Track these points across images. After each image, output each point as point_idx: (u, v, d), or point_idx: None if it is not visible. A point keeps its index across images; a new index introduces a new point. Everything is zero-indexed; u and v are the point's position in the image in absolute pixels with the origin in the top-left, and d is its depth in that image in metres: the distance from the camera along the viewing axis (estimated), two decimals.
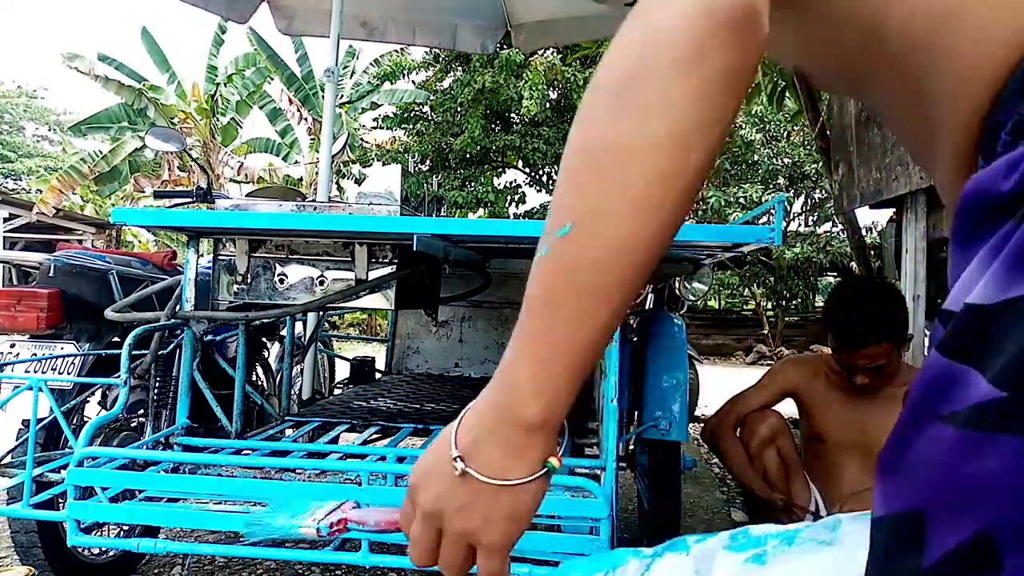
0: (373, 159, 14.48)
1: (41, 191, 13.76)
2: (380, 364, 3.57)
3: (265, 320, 2.24)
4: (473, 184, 13.90)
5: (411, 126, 14.59)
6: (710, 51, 0.43)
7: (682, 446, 2.18)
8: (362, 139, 14.86)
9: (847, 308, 1.96)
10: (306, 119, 14.74)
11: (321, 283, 1.98)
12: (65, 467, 1.77)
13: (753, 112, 10.42)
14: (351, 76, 15.45)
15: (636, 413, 2.24)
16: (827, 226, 12.16)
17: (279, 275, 2.00)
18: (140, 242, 16.27)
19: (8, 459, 2.08)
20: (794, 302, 13.12)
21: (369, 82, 14.95)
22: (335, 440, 2.41)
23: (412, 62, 13.83)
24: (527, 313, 0.51)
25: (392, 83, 14.27)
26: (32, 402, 1.83)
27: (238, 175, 14.88)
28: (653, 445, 2.10)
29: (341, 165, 13.93)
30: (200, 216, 2.04)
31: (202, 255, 2.04)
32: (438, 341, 3.53)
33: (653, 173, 0.45)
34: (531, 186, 15.46)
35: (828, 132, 3.48)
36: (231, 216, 1.95)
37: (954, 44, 0.44)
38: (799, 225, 12.54)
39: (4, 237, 13.36)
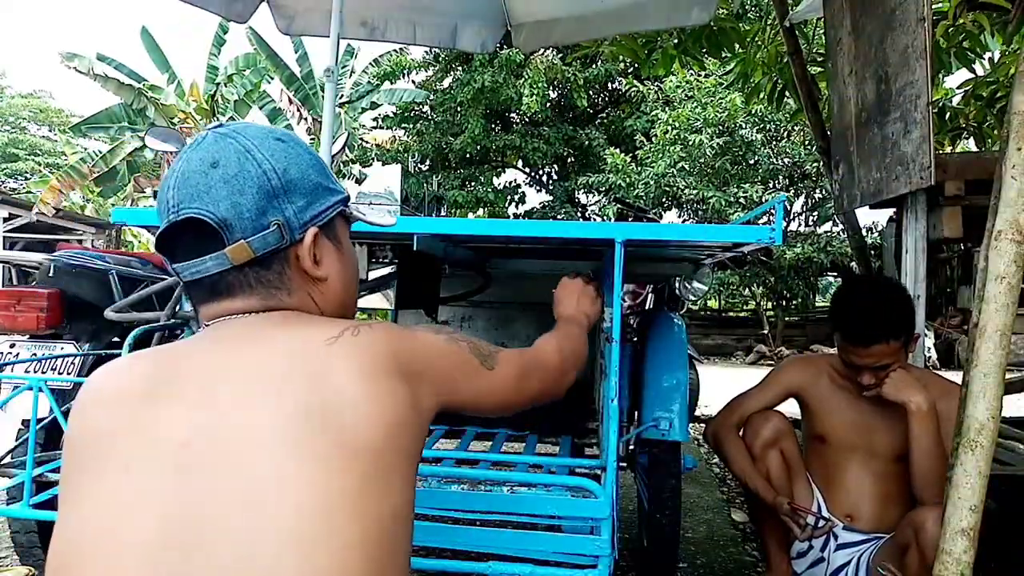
0: (373, 159, 14.47)
1: (40, 192, 13.75)
2: None
3: None
4: (473, 184, 13.89)
5: (411, 126, 14.58)
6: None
7: (682, 446, 2.18)
8: (362, 139, 14.85)
9: (856, 306, 1.94)
10: (306, 119, 14.74)
11: None
12: None
13: (753, 112, 10.42)
14: (351, 76, 15.44)
15: (636, 413, 2.24)
16: (827, 226, 12.16)
17: None
18: (140, 242, 16.27)
19: (8, 459, 2.08)
20: (794, 302, 13.11)
21: (369, 82, 14.95)
22: None
23: (412, 62, 13.82)
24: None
25: (392, 83, 14.26)
26: (32, 402, 1.83)
27: None
28: (653, 445, 2.10)
29: (341, 165, 13.92)
30: None
31: None
32: None
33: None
34: (531, 186, 15.46)
35: (828, 132, 3.47)
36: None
37: None
38: (799, 225, 12.53)
39: (4, 237, 13.36)
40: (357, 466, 0.72)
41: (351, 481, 0.71)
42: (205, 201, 0.82)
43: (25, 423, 2.11)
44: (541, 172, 15.27)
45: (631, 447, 2.48)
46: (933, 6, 3.15)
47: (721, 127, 10.87)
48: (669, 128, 11.21)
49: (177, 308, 1.99)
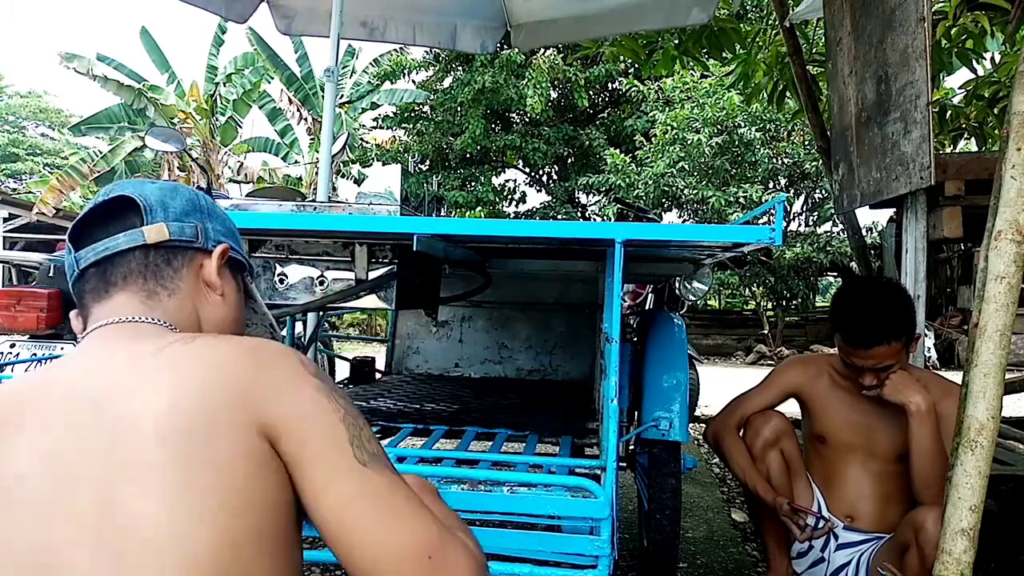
0: (373, 159, 14.46)
1: (41, 192, 13.76)
2: (380, 364, 3.57)
3: None
4: (473, 184, 13.89)
5: (411, 126, 14.58)
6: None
7: (682, 446, 2.18)
8: (362, 139, 14.84)
9: (856, 308, 1.93)
10: (306, 119, 14.73)
11: (321, 283, 1.98)
12: None
13: (753, 111, 10.42)
14: (351, 76, 15.44)
15: (636, 413, 2.24)
16: (827, 226, 12.16)
17: (279, 275, 2.00)
18: None
19: None
20: (794, 302, 13.11)
21: (369, 82, 14.94)
22: None
23: (412, 62, 13.82)
24: None
25: (392, 83, 14.26)
26: None
27: (238, 175, 14.88)
28: (653, 445, 2.10)
29: (341, 165, 13.91)
30: None
31: None
32: (438, 341, 3.53)
33: None
34: (531, 186, 15.46)
35: (828, 132, 3.47)
36: (231, 216, 1.95)
37: None
38: (799, 225, 12.53)
39: (4, 237, 13.36)
40: (160, 490, 0.66)
41: (162, 508, 0.66)
42: (139, 190, 0.89)
43: None
44: (541, 172, 15.27)
45: (631, 447, 2.48)
46: (933, 6, 3.15)
47: (720, 126, 10.87)
48: (668, 128, 11.22)
49: None
